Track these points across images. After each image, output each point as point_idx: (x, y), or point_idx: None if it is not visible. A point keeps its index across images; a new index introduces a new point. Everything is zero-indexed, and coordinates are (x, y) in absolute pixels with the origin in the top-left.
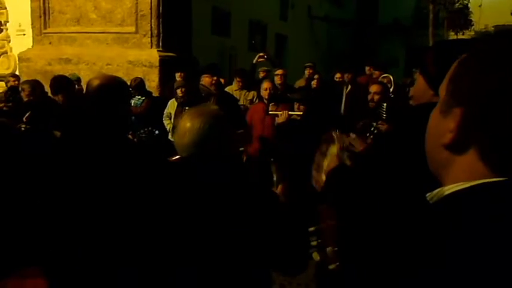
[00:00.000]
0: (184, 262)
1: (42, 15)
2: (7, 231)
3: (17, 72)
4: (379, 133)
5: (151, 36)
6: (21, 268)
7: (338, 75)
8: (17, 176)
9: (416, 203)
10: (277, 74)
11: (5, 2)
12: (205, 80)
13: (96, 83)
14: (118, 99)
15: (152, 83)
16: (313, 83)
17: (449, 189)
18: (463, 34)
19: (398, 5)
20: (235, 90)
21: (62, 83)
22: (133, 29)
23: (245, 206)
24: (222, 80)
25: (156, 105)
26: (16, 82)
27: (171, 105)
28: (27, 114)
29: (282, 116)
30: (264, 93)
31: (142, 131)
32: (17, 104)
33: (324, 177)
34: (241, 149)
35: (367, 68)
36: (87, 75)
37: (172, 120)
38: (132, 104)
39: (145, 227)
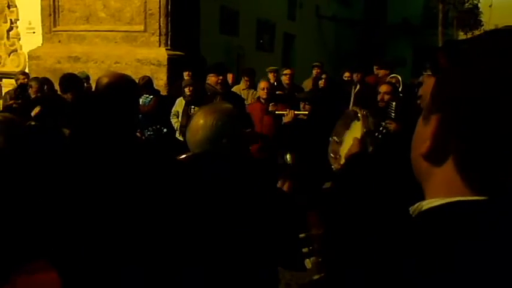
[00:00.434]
0: (191, 261)
1: (52, 13)
2: (16, 227)
3: (26, 70)
4: (388, 132)
5: (160, 35)
6: (30, 263)
7: (347, 74)
8: (26, 173)
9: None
10: (285, 74)
11: (15, 0)
12: (211, 79)
13: (105, 80)
14: (127, 97)
15: (160, 81)
16: (321, 83)
17: (426, 204)
18: (472, 34)
19: (407, 5)
20: (243, 89)
21: (71, 81)
22: (142, 27)
23: (252, 204)
24: (230, 76)
25: (164, 103)
26: (26, 80)
27: (179, 104)
28: (36, 110)
29: (288, 115)
30: (262, 93)
31: (150, 129)
32: (26, 101)
33: (343, 153)
34: None
35: (375, 68)
36: (95, 74)
37: (179, 118)
38: (140, 103)
39: (152, 226)
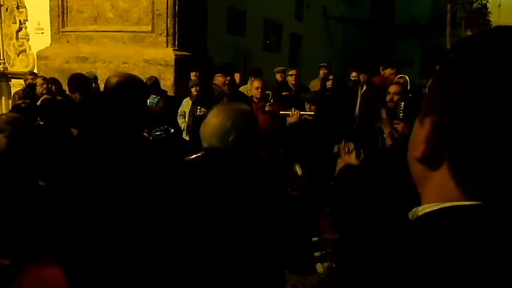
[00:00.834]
0: (198, 262)
1: (60, 14)
2: (21, 226)
3: (35, 70)
4: (397, 133)
5: (167, 35)
6: (38, 259)
7: (354, 74)
8: (32, 172)
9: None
10: (290, 74)
11: (24, 1)
12: (219, 79)
13: (114, 80)
14: (135, 97)
15: (167, 81)
16: (329, 84)
17: (422, 209)
18: None
19: (415, 5)
20: (250, 89)
21: (79, 80)
22: (149, 28)
23: (260, 205)
24: (237, 76)
25: (171, 104)
26: (34, 80)
27: (186, 104)
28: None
29: (294, 116)
30: (255, 92)
31: (157, 129)
32: (34, 101)
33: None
34: None
35: (381, 68)
36: (103, 74)
37: (186, 119)
38: (148, 103)
39: (157, 225)
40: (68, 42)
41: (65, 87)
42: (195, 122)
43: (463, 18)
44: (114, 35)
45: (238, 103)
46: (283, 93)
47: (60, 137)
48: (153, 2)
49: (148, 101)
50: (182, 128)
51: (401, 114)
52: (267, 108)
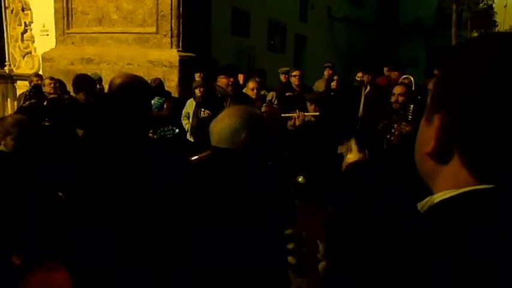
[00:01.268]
0: (199, 263)
1: (65, 16)
2: (29, 225)
3: (40, 72)
4: (401, 134)
5: (172, 36)
6: (45, 262)
7: (360, 74)
8: (36, 173)
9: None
10: (294, 75)
11: (29, 3)
12: (222, 80)
13: (118, 81)
14: (139, 97)
15: (172, 82)
16: (333, 84)
17: (438, 197)
18: None
19: (420, 5)
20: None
21: (83, 81)
22: (153, 29)
23: (266, 204)
24: (241, 77)
25: (175, 105)
26: (39, 81)
27: (189, 105)
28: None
29: (298, 118)
30: (251, 94)
31: (162, 129)
32: (39, 102)
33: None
34: None
35: (385, 69)
36: (108, 75)
37: (190, 120)
38: (152, 105)
39: (163, 225)
40: (72, 43)
41: (70, 88)
42: (199, 123)
43: (468, 18)
44: (118, 36)
45: (250, 107)
46: (287, 94)
47: (65, 137)
48: (158, 3)
49: (152, 102)
50: (186, 129)
51: (410, 117)
52: (263, 109)
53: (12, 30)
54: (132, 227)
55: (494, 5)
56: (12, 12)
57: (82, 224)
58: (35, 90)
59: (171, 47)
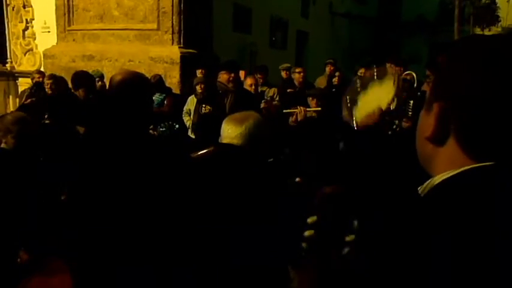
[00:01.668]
0: (199, 260)
1: (66, 12)
2: (28, 225)
3: (42, 69)
4: (402, 130)
5: (173, 33)
6: (46, 263)
7: (362, 70)
8: (37, 171)
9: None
10: (298, 72)
11: (30, 0)
12: (223, 76)
13: (119, 78)
14: (140, 94)
15: (173, 79)
16: (335, 80)
17: (438, 178)
18: (489, 30)
19: (422, 1)
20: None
21: (82, 78)
22: (155, 25)
23: (264, 202)
24: (243, 73)
25: (176, 101)
26: (41, 78)
27: (191, 102)
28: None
29: (300, 114)
30: (249, 90)
31: (162, 126)
32: (41, 99)
33: (360, 111)
34: None
35: (388, 65)
36: (109, 72)
37: (191, 116)
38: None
39: (164, 222)
40: (74, 40)
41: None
42: (200, 119)
43: (471, 14)
44: (119, 33)
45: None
46: (288, 90)
47: (66, 135)
48: (159, 0)
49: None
50: (187, 126)
51: (410, 113)
52: (262, 106)
53: (13, 27)
54: (133, 224)
55: (497, 0)
56: (13, 9)
57: (83, 222)
58: (37, 88)
59: (173, 44)
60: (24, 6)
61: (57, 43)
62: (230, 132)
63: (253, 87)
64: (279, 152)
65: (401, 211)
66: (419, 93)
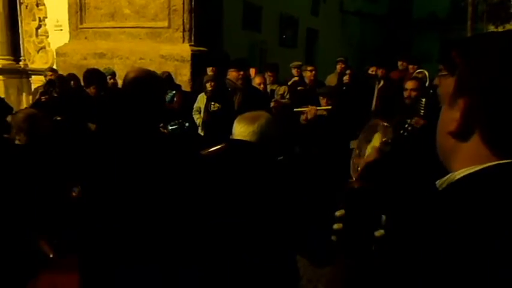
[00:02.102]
0: (211, 253)
1: (78, 11)
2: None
3: (54, 67)
4: (414, 130)
5: (184, 30)
6: (54, 262)
7: (373, 68)
8: (49, 167)
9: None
10: (310, 70)
11: None
12: (232, 74)
13: (132, 76)
14: (153, 92)
15: (184, 77)
16: (345, 78)
17: (459, 173)
18: (503, 28)
19: None
20: (267, 84)
21: (94, 75)
22: (165, 23)
23: (276, 196)
24: (253, 71)
25: (187, 99)
26: (53, 76)
27: (201, 100)
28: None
29: (310, 112)
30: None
31: (172, 123)
32: (53, 97)
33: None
34: None
35: (399, 63)
36: (120, 70)
37: (201, 114)
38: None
39: (173, 218)
40: (85, 38)
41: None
42: (209, 117)
43: (484, 11)
44: (130, 31)
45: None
46: (299, 88)
47: (77, 132)
48: None
49: None
50: (197, 124)
51: (422, 111)
52: (271, 105)
53: (26, 26)
54: (143, 220)
55: None
56: (26, 8)
57: (93, 218)
58: (49, 86)
59: (183, 42)
60: (37, 5)
61: (69, 41)
62: (242, 130)
63: (261, 86)
64: (289, 150)
65: (422, 208)
66: (431, 91)
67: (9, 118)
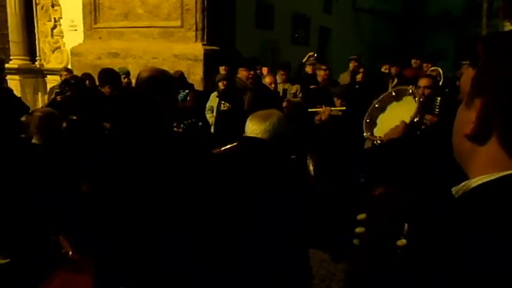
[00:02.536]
0: (224, 252)
1: (92, 11)
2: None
3: (69, 66)
4: (427, 128)
5: (196, 30)
6: (71, 261)
7: (386, 66)
8: (65, 165)
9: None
10: (322, 69)
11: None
12: (242, 73)
13: (145, 75)
14: (166, 91)
15: (197, 76)
16: (359, 77)
17: (475, 181)
18: None
19: None
20: (279, 83)
21: (109, 75)
22: (178, 23)
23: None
24: (265, 70)
25: (199, 98)
26: (68, 76)
27: (213, 99)
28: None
29: (324, 113)
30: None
31: (186, 123)
32: (68, 96)
33: (382, 129)
34: None
35: (413, 61)
36: (134, 69)
37: (214, 113)
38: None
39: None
40: (100, 38)
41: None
42: (219, 116)
43: (499, 8)
44: (144, 30)
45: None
46: (311, 87)
47: (93, 131)
48: None
49: None
50: (210, 123)
51: (437, 110)
52: (284, 105)
53: (42, 26)
54: (158, 219)
55: None
56: (42, 9)
57: (107, 216)
58: (64, 86)
59: (196, 41)
60: (52, 6)
61: (83, 41)
62: (254, 128)
63: (272, 85)
64: (302, 150)
65: (440, 218)
66: (447, 90)
67: (23, 118)
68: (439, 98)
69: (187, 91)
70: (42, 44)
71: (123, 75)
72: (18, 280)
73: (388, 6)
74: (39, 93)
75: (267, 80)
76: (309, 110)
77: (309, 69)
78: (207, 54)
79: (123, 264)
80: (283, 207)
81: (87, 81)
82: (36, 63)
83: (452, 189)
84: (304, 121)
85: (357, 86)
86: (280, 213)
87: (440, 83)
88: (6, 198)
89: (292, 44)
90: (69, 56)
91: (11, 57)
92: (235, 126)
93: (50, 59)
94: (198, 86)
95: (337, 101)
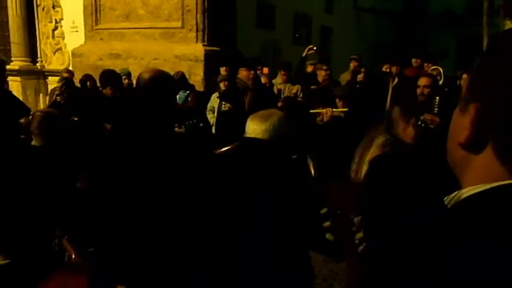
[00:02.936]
0: (226, 252)
1: (93, 12)
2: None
3: (70, 68)
4: (427, 127)
5: (197, 30)
6: (67, 264)
7: (386, 66)
8: (66, 167)
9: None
10: (323, 69)
11: (60, 1)
12: (243, 73)
13: (146, 76)
14: (166, 92)
15: (197, 77)
16: (360, 77)
17: (466, 192)
18: None
19: None
20: (280, 83)
21: (110, 76)
22: (179, 24)
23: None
24: (266, 70)
25: (200, 99)
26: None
27: (214, 100)
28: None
29: (326, 114)
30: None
31: (187, 124)
32: (69, 97)
33: (365, 167)
34: None
35: (413, 60)
36: (135, 70)
37: (215, 114)
38: (177, 99)
39: (189, 216)
40: (101, 39)
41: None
42: (220, 116)
43: (500, 6)
44: (145, 31)
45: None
46: (312, 87)
47: (93, 131)
48: None
49: (177, 96)
50: (211, 124)
51: (436, 109)
52: (279, 105)
53: (43, 27)
54: (160, 220)
55: None
56: (43, 10)
57: (107, 216)
58: (66, 87)
59: (197, 42)
60: (53, 7)
61: (85, 42)
62: (255, 128)
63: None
64: (303, 150)
65: (430, 228)
66: (446, 89)
67: (23, 120)
68: (437, 98)
69: (188, 92)
70: (43, 46)
71: (124, 76)
72: (19, 281)
73: (389, 5)
74: (41, 95)
75: (263, 80)
76: (311, 111)
77: (309, 68)
78: (207, 55)
79: (123, 264)
80: (283, 207)
81: (88, 83)
82: (38, 64)
83: (444, 199)
84: (304, 121)
85: (358, 86)
86: (280, 213)
87: (441, 82)
88: (5, 199)
89: (293, 44)
90: (71, 57)
91: (12, 59)
92: (236, 127)
93: (51, 61)
94: (199, 87)
95: (339, 103)
